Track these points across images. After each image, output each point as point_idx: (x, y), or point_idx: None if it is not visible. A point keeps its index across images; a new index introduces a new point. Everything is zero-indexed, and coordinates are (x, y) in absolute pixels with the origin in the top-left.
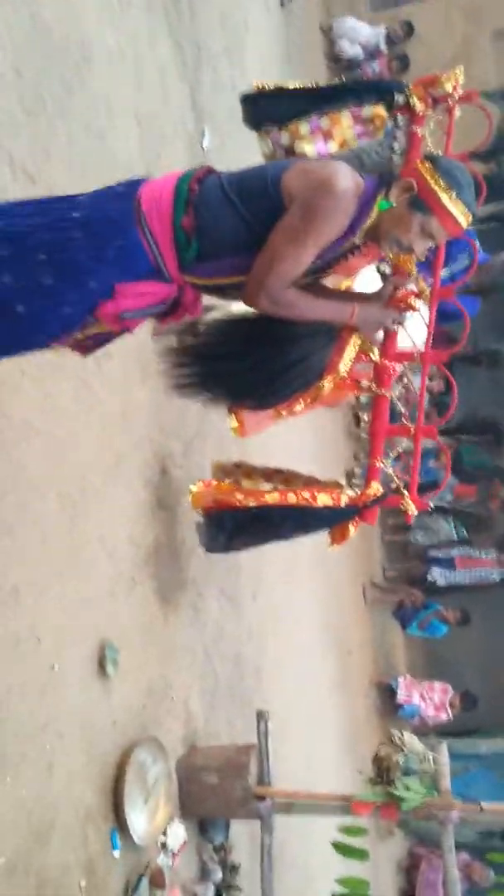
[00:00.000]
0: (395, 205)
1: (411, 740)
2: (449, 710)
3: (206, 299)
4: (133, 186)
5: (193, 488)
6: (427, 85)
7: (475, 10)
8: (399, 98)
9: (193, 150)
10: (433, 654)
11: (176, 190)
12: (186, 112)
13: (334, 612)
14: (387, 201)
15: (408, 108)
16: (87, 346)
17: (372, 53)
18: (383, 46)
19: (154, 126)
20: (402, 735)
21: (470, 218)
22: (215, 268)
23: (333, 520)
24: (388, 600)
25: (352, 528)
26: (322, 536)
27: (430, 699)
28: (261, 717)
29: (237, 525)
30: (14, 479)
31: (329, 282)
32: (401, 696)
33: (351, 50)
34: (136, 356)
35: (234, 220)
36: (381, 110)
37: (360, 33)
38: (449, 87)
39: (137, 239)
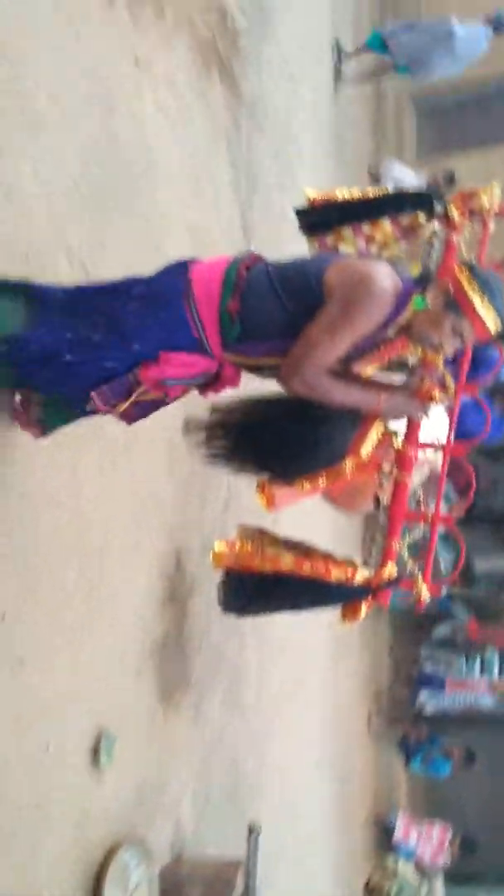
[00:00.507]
0: (430, 305)
1: (405, 869)
2: (447, 851)
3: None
4: (185, 266)
5: (216, 548)
6: (465, 197)
7: None
8: (438, 207)
9: None
10: (435, 790)
11: (225, 275)
12: (236, 229)
13: (338, 736)
14: (422, 300)
15: (446, 217)
16: (132, 415)
17: None
18: None
19: (205, 237)
20: (397, 863)
21: (499, 324)
22: (255, 349)
23: (346, 596)
24: (393, 730)
25: (364, 607)
26: (331, 650)
27: (429, 841)
28: (252, 829)
29: (256, 590)
30: (36, 547)
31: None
32: (398, 836)
33: None
34: (166, 446)
35: (276, 308)
36: (419, 217)
37: (405, 178)
38: (486, 201)
39: (184, 315)
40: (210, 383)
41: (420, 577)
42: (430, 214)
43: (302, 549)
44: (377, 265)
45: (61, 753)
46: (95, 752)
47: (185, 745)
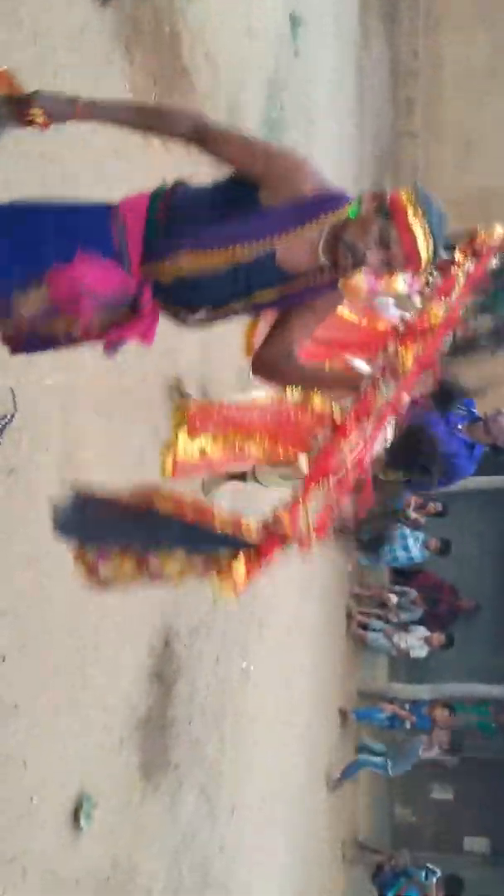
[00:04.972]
0: (363, 211)
1: None
2: None
3: None
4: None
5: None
6: (471, 238)
7: None
8: (444, 251)
9: None
10: None
11: (153, 191)
12: None
13: (310, 859)
14: (357, 207)
15: (451, 259)
16: (21, 340)
17: None
18: None
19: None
20: None
21: (430, 246)
22: (174, 245)
23: (224, 544)
24: (368, 861)
25: (240, 570)
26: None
27: None
28: None
29: (112, 514)
30: (40, 609)
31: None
32: None
33: None
34: None
35: (204, 197)
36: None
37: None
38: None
39: (107, 225)
40: (122, 321)
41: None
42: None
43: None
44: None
45: (44, 806)
46: (76, 813)
47: (159, 832)
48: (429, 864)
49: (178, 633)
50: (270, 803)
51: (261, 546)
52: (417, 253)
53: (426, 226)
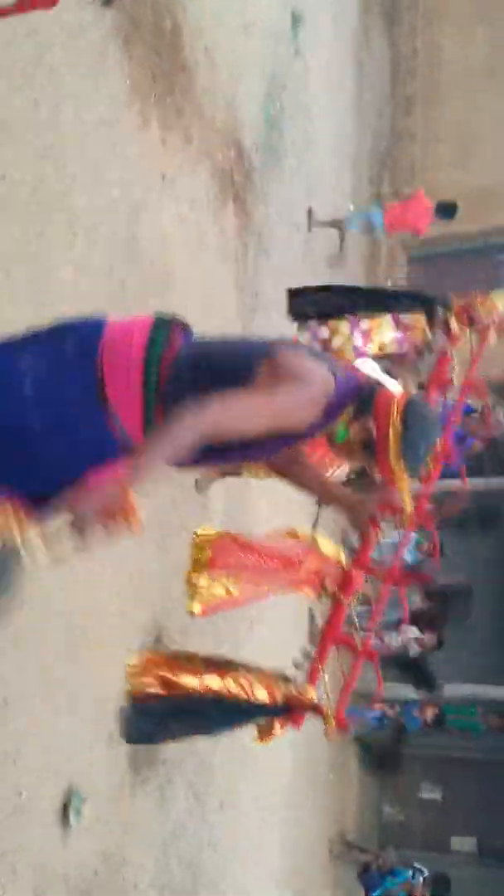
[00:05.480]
0: (350, 437)
1: None
2: None
3: None
4: (91, 347)
5: (132, 661)
6: (468, 305)
7: None
8: (440, 312)
9: None
10: None
11: (145, 375)
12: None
13: (302, 858)
14: (345, 433)
15: (446, 325)
16: None
17: None
18: None
19: None
20: None
21: (409, 476)
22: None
23: (264, 714)
24: (354, 860)
25: (278, 727)
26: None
27: None
28: None
29: (168, 711)
30: (34, 598)
31: None
32: None
33: None
34: (157, 524)
35: (189, 394)
36: (422, 319)
37: None
38: (486, 313)
39: (104, 425)
40: None
41: (331, 711)
42: (432, 318)
43: (222, 666)
44: (321, 371)
45: (33, 802)
46: (65, 808)
47: (148, 827)
48: (416, 864)
49: (169, 631)
50: (262, 801)
51: (291, 715)
52: (394, 481)
53: (405, 472)
